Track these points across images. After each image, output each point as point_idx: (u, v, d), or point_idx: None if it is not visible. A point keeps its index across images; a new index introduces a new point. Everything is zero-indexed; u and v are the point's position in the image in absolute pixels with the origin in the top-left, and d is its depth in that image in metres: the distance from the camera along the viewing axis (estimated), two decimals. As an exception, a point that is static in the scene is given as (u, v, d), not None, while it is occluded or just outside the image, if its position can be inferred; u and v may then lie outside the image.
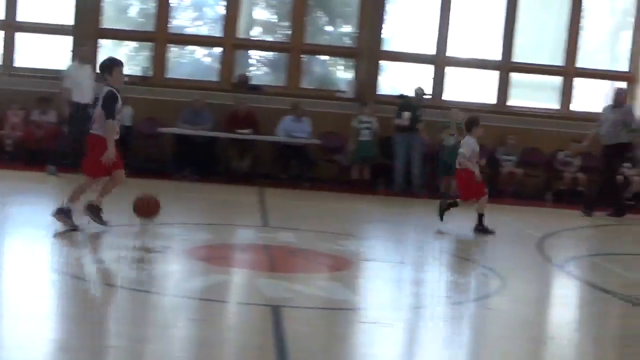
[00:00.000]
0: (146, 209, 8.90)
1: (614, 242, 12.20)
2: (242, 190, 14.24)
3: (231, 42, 16.84)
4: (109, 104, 8.71)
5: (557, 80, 17.34)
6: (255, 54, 18.05)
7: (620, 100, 14.61)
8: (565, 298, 8.01)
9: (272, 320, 5.75)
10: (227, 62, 16.90)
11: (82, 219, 8.74)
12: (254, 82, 16.96)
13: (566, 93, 17.26)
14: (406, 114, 15.29)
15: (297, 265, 8.24)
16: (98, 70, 9.27)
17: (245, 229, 10.13)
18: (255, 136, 15.56)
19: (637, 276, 8.93)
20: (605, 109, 14.75)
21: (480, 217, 11.06)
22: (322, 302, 6.59)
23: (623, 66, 17.34)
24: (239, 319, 6.02)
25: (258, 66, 18.28)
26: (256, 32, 17.97)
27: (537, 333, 6.34)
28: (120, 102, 8.88)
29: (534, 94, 17.72)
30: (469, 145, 11.22)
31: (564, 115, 17.08)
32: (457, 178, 11.53)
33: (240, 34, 17.11)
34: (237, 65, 17.11)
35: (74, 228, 8.60)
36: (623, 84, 17.30)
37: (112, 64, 8.91)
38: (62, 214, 8.62)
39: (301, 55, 17.05)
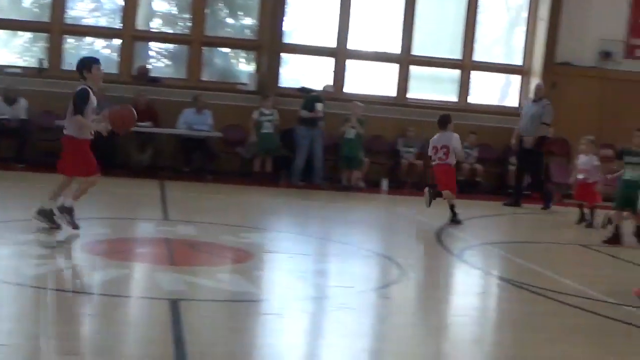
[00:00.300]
0: (121, 121, 8.75)
1: (510, 231, 12.57)
2: (143, 184, 14.04)
3: (130, 33, 16.55)
4: (79, 101, 8.54)
5: (455, 73, 17.69)
6: (155, 46, 17.80)
7: (540, 95, 15.12)
8: (464, 286, 8.21)
9: (170, 314, 5.70)
10: (126, 54, 16.60)
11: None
12: (154, 74, 16.72)
13: (464, 86, 17.63)
14: (319, 105, 15.38)
15: (197, 258, 8.19)
16: (75, 68, 8.97)
17: (146, 223, 10.00)
18: (156, 129, 15.35)
19: (531, 263, 9.21)
20: (525, 104, 15.27)
21: (453, 208, 11.77)
22: (223, 294, 6.57)
23: (517, 60, 17.83)
24: (137, 313, 5.95)
25: (158, 58, 18.02)
26: (156, 24, 17.71)
27: (436, 321, 6.49)
28: (94, 100, 8.67)
29: (432, 87, 18.04)
30: (458, 141, 11.87)
31: (462, 107, 17.45)
32: (438, 171, 12.01)
33: (140, 25, 16.84)
34: (136, 57, 16.82)
35: (56, 227, 8.51)
36: (517, 78, 17.81)
37: (92, 62, 8.83)
38: (42, 214, 8.54)
39: (202, 48, 16.90)
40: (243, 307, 6.22)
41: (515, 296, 7.73)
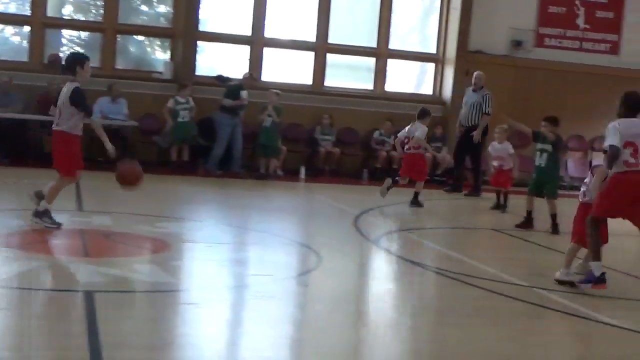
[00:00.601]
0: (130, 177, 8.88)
1: (426, 217, 12.73)
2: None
3: (40, 20, 16.14)
4: (81, 100, 8.54)
5: (371, 61, 17.83)
6: (67, 34, 17.40)
7: (480, 84, 15.34)
8: (381, 272, 8.32)
9: (85, 306, 5.61)
10: (36, 42, 16.19)
11: None
12: (66, 62, 16.34)
13: (380, 74, 17.78)
14: (244, 93, 15.30)
15: (113, 249, 8.07)
16: (65, 63, 8.69)
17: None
18: (69, 118, 15.01)
19: (447, 249, 9.38)
20: (466, 93, 15.49)
21: (417, 194, 12.68)
22: (139, 285, 6.50)
23: (432, 48, 18.07)
24: (50, 306, 5.83)
25: (71, 46, 17.62)
26: (68, 11, 17.32)
27: (354, 307, 6.55)
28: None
29: (349, 75, 18.14)
30: (423, 132, 12.59)
31: (378, 95, 17.62)
32: (405, 158, 12.86)
33: (51, 12, 16.44)
34: (48, 45, 16.42)
35: (57, 226, 8.45)
36: (431, 65, 18.05)
37: (85, 58, 8.71)
38: (40, 215, 8.46)
39: (116, 36, 16.60)
40: (160, 297, 6.17)
41: (431, 281, 7.87)
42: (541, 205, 11.30)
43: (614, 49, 18.50)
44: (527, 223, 11.32)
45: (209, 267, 7.58)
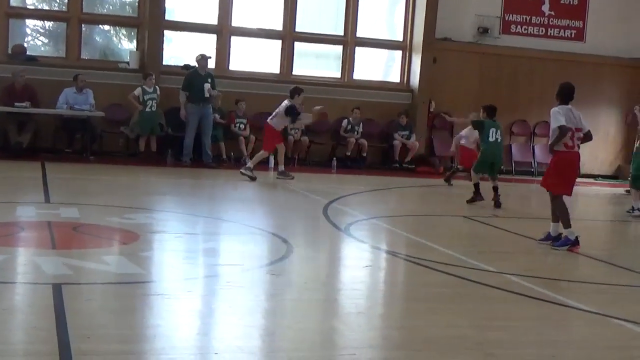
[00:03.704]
0: None
1: (396, 205, 12.80)
2: (23, 166, 13.60)
3: (4, 10, 15.94)
4: None
5: (339, 49, 17.82)
6: (31, 24, 17.20)
7: None
8: (351, 260, 8.32)
9: (53, 298, 5.56)
10: (0, 32, 15.98)
11: None
12: (31, 53, 16.17)
13: (347, 62, 17.78)
14: (207, 86, 15.21)
15: (81, 241, 8.00)
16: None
17: (26, 206, 9.67)
18: (35, 109, 14.88)
19: (416, 236, 9.42)
20: None
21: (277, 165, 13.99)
22: (108, 277, 6.46)
23: (399, 36, 18.09)
24: (18, 299, 5.77)
25: (35, 36, 17.44)
26: (32, 1, 17.11)
27: (324, 295, 6.56)
28: None
29: (317, 63, 18.12)
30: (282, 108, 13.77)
31: (346, 83, 17.63)
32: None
33: (14, 2, 16.23)
34: (12, 35, 16.22)
35: None
36: (399, 53, 18.08)
37: None
38: None
39: (81, 25, 16.44)
40: (129, 288, 6.13)
41: (401, 268, 7.91)
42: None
43: (579, 35, 18.66)
44: (474, 198, 12.46)
45: (178, 257, 7.55)
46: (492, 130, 12.36)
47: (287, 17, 17.29)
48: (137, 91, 15.33)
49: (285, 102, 13.87)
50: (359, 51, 17.90)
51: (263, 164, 15.68)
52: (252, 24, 17.22)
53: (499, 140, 12.47)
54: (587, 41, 18.66)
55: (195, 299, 6.08)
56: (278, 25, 17.34)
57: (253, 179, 13.52)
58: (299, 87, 14.09)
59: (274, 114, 13.94)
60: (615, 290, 7.42)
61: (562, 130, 8.71)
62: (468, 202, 12.43)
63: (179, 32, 17.24)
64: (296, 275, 7.17)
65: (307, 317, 5.80)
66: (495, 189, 12.39)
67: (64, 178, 12.69)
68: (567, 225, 8.90)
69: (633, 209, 12.30)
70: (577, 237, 8.84)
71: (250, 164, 13.84)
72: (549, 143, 9.02)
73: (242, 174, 13.59)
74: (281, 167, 14.03)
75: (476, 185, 12.48)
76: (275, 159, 14.54)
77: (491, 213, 11.61)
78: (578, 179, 9.51)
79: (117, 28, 17.50)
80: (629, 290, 7.42)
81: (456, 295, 6.68)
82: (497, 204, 12.21)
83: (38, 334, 4.83)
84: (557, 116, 8.80)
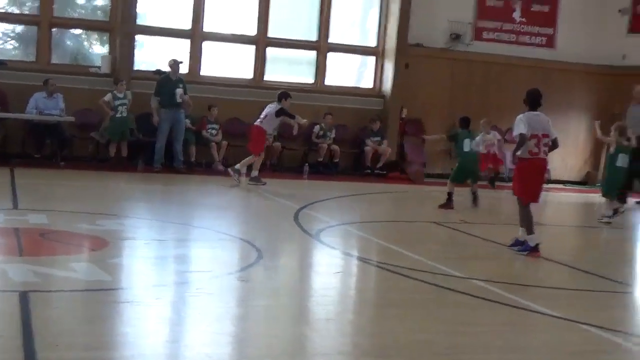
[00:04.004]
0: None
1: (367, 211, 12.82)
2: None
3: (-27, 14, 15.82)
4: None
5: (312, 55, 17.83)
6: (1, 27, 17.04)
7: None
8: (322, 266, 8.32)
9: (19, 306, 5.51)
10: (-31, 36, 15.86)
11: None
12: (0, 57, 16.03)
13: (320, 67, 17.80)
14: (179, 91, 15.15)
15: (49, 248, 7.92)
16: None
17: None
18: (4, 114, 14.75)
19: (387, 242, 9.44)
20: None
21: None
22: (76, 284, 6.41)
23: (372, 41, 18.14)
24: (-16, 307, 5.72)
25: (5, 40, 17.28)
26: (2, 4, 16.94)
27: (294, 302, 6.55)
28: None
29: (290, 69, 18.12)
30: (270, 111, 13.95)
31: (319, 89, 17.64)
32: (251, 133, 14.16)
33: (-17, 6, 16.11)
34: (-19, 39, 16.09)
35: None
36: (372, 59, 18.13)
37: None
38: None
39: (51, 29, 16.32)
40: (98, 296, 6.08)
41: (371, 274, 7.93)
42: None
43: (550, 42, 18.83)
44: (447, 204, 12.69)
45: (147, 264, 7.52)
46: (466, 141, 12.83)
47: (260, 22, 17.28)
48: (108, 97, 15.25)
49: (273, 105, 13.93)
50: (332, 57, 17.93)
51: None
52: (224, 29, 17.19)
53: (473, 150, 12.94)
54: (558, 48, 18.83)
55: (165, 306, 6.05)
56: (251, 31, 17.33)
57: (263, 183, 13.86)
58: (287, 92, 14.23)
59: (262, 116, 13.93)
60: (581, 296, 7.49)
61: (521, 138, 8.77)
62: (439, 207, 12.59)
63: (150, 37, 17.16)
64: (266, 281, 7.16)
65: (277, 324, 5.80)
66: (474, 194, 13.08)
67: (33, 184, 12.59)
68: (529, 231, 8.98)
69: (603, 216, 12.42)
70: (537, 244, 8.92)
71: (253, 173, 13.96)
72: (512, 151, 9.11)
73: (250, 184, 13.85)
74: (254, 173, 13.99)
75: (450, 194, 12.69)
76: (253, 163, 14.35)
77: (460, 219, 11.67)
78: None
79: (89, 32, 17.39)
80: (595, 296, 7.50)
81: (426, 301, 6.71)
82: (475, 203, 13.05)
83: (4, 342, 4.78)
84: (519, 124, 8.87)
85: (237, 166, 13.93)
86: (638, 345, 5.85)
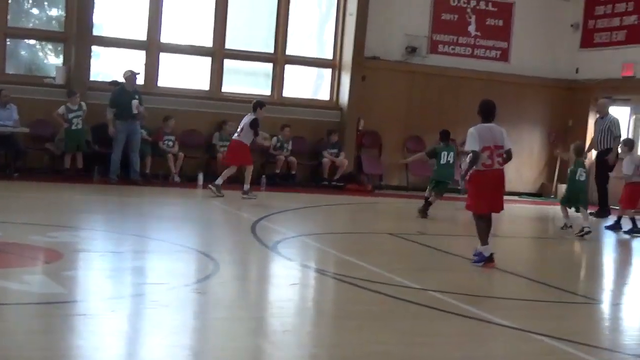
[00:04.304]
0: None
1: (325, 222, 12.83)
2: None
3: None
4: None
5: (269, 67, 17.84)
6: (-47, 37, 16.80)
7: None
8: (279, 278, 8.31)
9: (-29, 320, 5.43)
10: None
11: None
12: (-48, 67, 15.81)
13: (277, 79, 17.81)
14: (135, 102, 15.03)
15: (1, 260, 7.79)
16: None
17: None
18: (-44, 125, 14.53)
19: (344, 254, 9.46)
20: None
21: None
22: (29, 297, 6.31)
23: (328, 54, 18.21)
24: None
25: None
26: (-47, 14, 16.71)
27: (252, 314, 6.53)
28: None
29: (247, 80, 18.10)
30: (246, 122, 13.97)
31: (276, 101, 17.62)
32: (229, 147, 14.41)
33: None
34: None
35: None
36: (328, 71, 18.20)
37: None
38: None
39: (5, 39, 16.11)
40: (50, 309, 6.00)
41: (328, 286, 7.93)
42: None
43: (504, 56, 19.06)
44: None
45: (102, 276, 7.44)
46: (443, 154, 13.35)
47: (217, 33, 17.25)
48: (61, 109, 15.08)
49: (248, 116, 14.02)
50: (289, 69, 17.95)
51: (193, 181, 15.58)
52: (181, 40, 17.13)
53: (450, 162, 13.38)
54: (512, 62, 19.07)
55: (119, 319, 5.99)
56: (208, 42, 17.28)
57: (254, 197, 13.90)
58: (261, 101, 14.46)
59: (239, 129, 14.05)
60: (536, 306, 7.57)
61: (474, 155, 8.80)
62: (418, 210, 13.18)
63: (107, 48, 17.02)
64: (223, 293, 7.12)
65: (233, 336, 5.77)
66: (427, 201, 13.26)
67: (-14, 195, 12.39)
68: (483, 242, 9.02)
69: (565, 225, 12.73)
70: (492, 254, 8.97)
71: (245, 186, 13.97)
72: (467, 166, 9.07)
73: (243, 198, 13.81)
74: (246, 187, 14.03)
75: (426, 199, 13.26)
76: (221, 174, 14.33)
77: (417, 230, 11.73)
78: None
79: (43, 43, 17.22)
80: (548, 306, 7.59)
81: (383, 313, 6.73)
82: (423, 214, 13.12)
83: (-46, 356, 4.70)
84: (470, 139, 8.88)
85: (218, 181, 13.97)
86: (590, 355, 5.92)
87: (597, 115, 16.01)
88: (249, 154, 14.15)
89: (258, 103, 14.24)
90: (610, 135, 15.12)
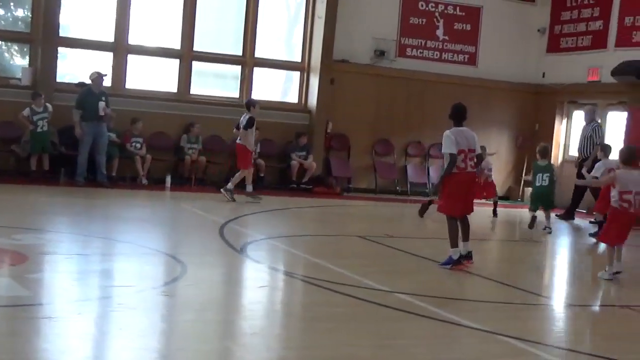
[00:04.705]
0: None
1: (293, 225, 12.81)
2: None
3: None
4: None
5: (237, 69, 17.79)
6: None
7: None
8: (247, 281, 8.30)
9: None
10: None
11: None
12: None
13: (245, 82, 17.76)
14: (102, 104, 14.91)
15: (-35, 263, 7.71)
16: None
17: None
18: None
19: (313, 256, 9.46)
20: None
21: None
22: (-9, 300, 6.24)
23: (297, 57, 18.20)
24: None
25: None
26: None
27: (220, 316, 6.51)
28: None
29: (215, 83, 18.04)
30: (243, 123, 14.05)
31: (244, 103, 17.55)
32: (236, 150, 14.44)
33: None
34: None
35: None
36: (297, 74, 18.19)
37: None
38: None
39: (-30, 40, 15.94)
40: (15, 312, 5.93)
41: (297, 289, 7.93)
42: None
43: (472, 60, 19.18)
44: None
45: (69, 279, 7.38)
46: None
47: (185, 36, 17.16)
48: (26, 111, 14.92)
49: (244, 116, 14.15)
50: (258, 71, 17.91)
51: (160, 184, 15.48)
52: (149, 42, 17.03)
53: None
54: (479, 66, 19.19)
55: (86, 322, 5.93)
56: (176, 44, 17.20)
57: (233, 200, 13.91)
58: (254, 99, 14.74)
59: (240, 131, 14.17)
60: (502, 308, 7.62)
61: (452, 158, 8.93)
62: (419, 211, 13.82)
63: (73, 49, 16.87)
64: (190, 296, 7.08)
65: (201, 339, 5.74)
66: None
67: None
68: (453, 245, 9.10)
69: (545, 227, 13.20)
70: (460, 257, 9.06)
71: (248, 188, 14.19)
72: (444, 171, 9.16)
73: (224, 195, 13.98)
74: (249, 188, 14.24)
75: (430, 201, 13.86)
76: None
77: (384, 233, 11.74)
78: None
79: (9, 44, 17.03)
80: (514, 308, 7.65)
81: (351, 315, 6.74)
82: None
83: None
84: (448, 142, 8.98)
85: (229, 185, 14.06)
86: (553, 356, 5.98)
87: (584, 122, 15.97)
88: (248, 159, 14.34)
89: (251, 101, 14.54)
90: (591, 142, 15.20)
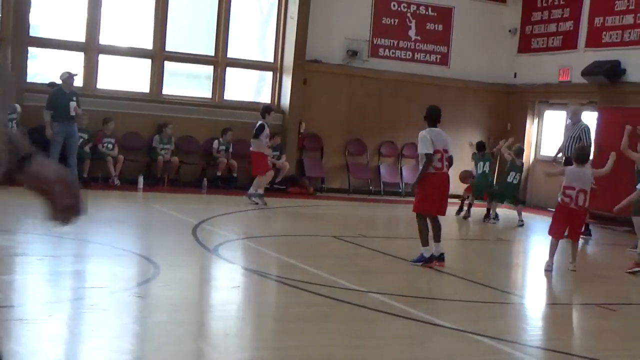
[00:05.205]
0: None
1: (267, 225, 12.80)
2: None
3: None
4: None
5: (209, 69, 17.73)
6: None
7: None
8: (220, 281, 8.26)
9: None
10: None
11: None
12: None
13: (218, 82, 17.71)
14: (73, 104, 14.78)
15: None
16: None
17: None
18: None
19: (286, 256, 9.45)
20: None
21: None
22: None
23: (269, 57, 18.18)
24: None
25: None
26: None
27: (193, 317, 6.48)
28: None
29: (187, 83, 17.98)
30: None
31: (217, 104, 17.54)
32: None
33: None
34: None
35: None
36: (270, 74, 18.18)
37: None
38: None
39: (-62, 39, 15.73)
40: (-15, 314, 5.88)
41: (270, 289, 7.92)
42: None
43: (444, 60, 19.26)
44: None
45: (40, 281, 7.32)
46: (480, 164, 14.89)
47: (157, 35, 17.08)
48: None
49: (258, 123, 14.19)
50: (230, 71, 17.87)
51: (133, 184, 15.39)
52: (121, 42, 16.92)
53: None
54: (451, 66, 19.28)
55: (57, 323, 5.89)
56: (148, 44, 17.11)
57: (265, 204, 14.09)
58: (269, 106, 14.83)
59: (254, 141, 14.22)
60: (474, 307, 7.66)
61: (428, 158, 9.06)
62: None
63: (44, 49, 16.73)
64: (163, 297, 7.05)
65: (174, 340, 5.71)
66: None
67: None
68: (424, 243, 9.21)
69: (495, 216, 14.43)
70: (431, 255, 9.17)
71: (252, 189, 14.19)
72: (420, 171, 9.27)
73: (250, 202, 14.05)
74: (260, 191, 14.27)
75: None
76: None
77: (358, 233, 11.76)
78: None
79: (-22, 43, 16.84)
80: (486, 306, 7.69)
81: (325, 315, 6.74)
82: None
83: None
84: (425, 142, 9.10)
85: (251, 190, 14.16)
86: (527, 355, 6.02)
87: (569, 121, 15.82)
88: (264, 164, 14.38)
89: (266, 109, 14.55)
90: (579, 143, 15.11)
